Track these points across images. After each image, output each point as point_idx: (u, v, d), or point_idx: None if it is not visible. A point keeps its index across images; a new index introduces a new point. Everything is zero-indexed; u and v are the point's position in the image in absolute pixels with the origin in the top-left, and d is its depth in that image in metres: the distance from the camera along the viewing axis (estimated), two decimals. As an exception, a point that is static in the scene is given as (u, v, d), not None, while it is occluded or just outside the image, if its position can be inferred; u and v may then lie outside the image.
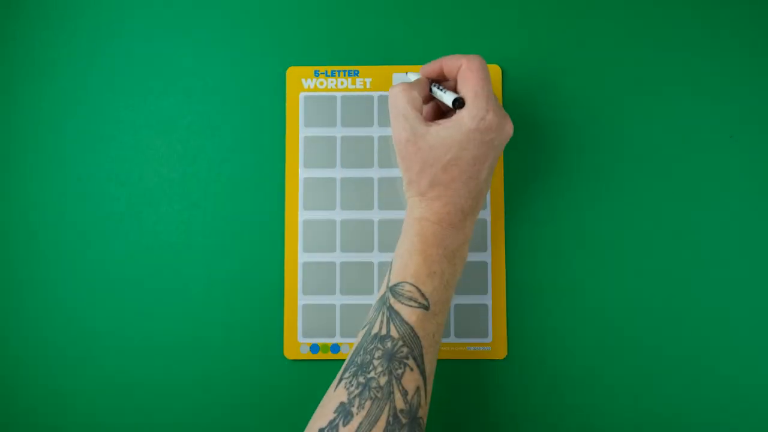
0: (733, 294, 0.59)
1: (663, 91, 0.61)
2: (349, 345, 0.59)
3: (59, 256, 0.60)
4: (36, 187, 0.61)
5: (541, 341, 0.59)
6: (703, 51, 0.62)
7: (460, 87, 0.52)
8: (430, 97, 0.56)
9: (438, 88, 0.55)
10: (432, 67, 0.55)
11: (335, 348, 0.59)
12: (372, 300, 0.59)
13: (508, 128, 0.52)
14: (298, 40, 0.62)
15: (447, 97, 0.53)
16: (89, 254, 0.60)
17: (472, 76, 0.51)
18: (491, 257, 0.60)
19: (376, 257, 0.60)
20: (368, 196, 0.60)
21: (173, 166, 0.62)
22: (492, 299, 0.60)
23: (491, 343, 0.59)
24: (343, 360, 0.59)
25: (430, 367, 0.49)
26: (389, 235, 0.60)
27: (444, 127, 0.50)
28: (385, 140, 0.61)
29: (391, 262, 0.52)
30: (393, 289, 0.50)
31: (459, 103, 0.52)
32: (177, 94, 0.62)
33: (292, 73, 0.62)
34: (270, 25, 0.63)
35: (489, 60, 0.62)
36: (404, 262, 0.51)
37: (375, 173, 0.61)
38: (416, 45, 0.62)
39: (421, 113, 0.53)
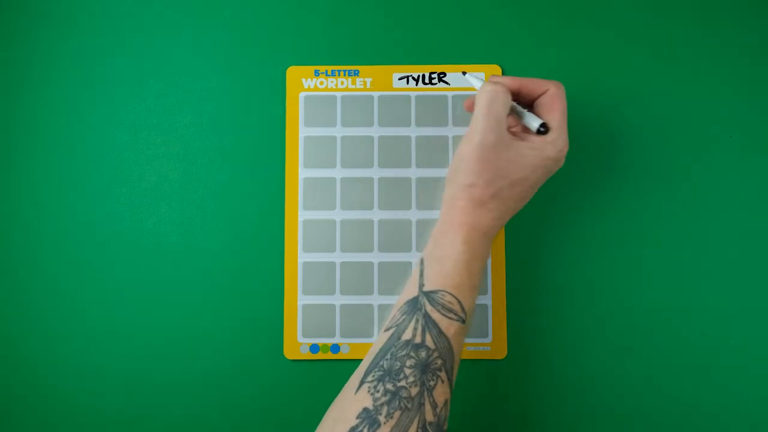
0: (734, 294, 0.59)
1: (663, 91, 0.61)
2: (349, 345, 0.59)
3: (59, 256, 0.60)
4: (36, 188, 0.61)
5: (540, 341, 0.59)
6: (703, 51, 0.62)
7: (543, 112, 0.51)
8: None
9: (518, 105, 0.53)
10: (511, 83, 0.52)
11: (335, 348, 0.59)
12: (372, 300, 0.59)
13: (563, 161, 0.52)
14: (298, 40, 0.62)
15: (532, 120, 0.51)
16: (89, 254, 0.60)
17: (559, 106, 0.50)
18: (491, 258, 0.60)
19: (376, 257, 0.60)
20: (368, 196, 0.60)
21: (173, 166, 0.62)
22: (492, 299, 0.60)
23: (491, 343, 0.59)
24: (344, 360, 0.59)
25: (454, 380, 0.48)
26: (389, 235, 0.60)
27: (527, 145, 0.49)
28: (385, 140, 0.61)
29: (422, 262, 0.50)
30: (431, 297, 0.48)
31: (544, 129, 0.50)
32: (177, 94, 0.62)
33: (292, 72, 0.62)
34: (270, 25, 0.63)
35: (489, 60, 0.62)
36: (445, 269, 0.48)
37: (375, 173, 0.61)
38: (416, 45, 0.62)
39: None
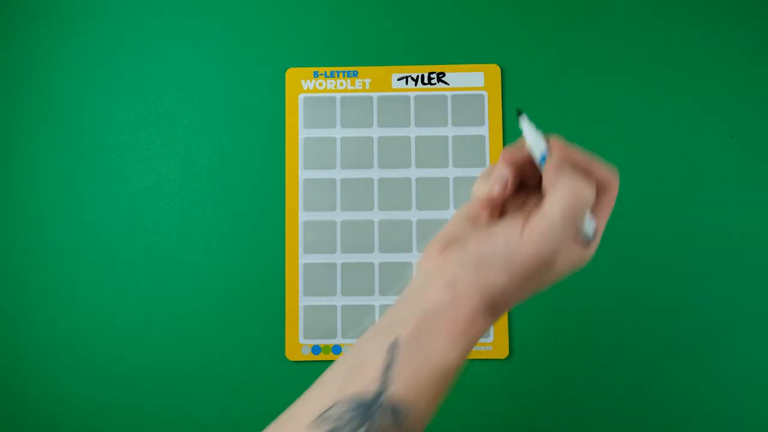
0: (734, 294, 0.59)
1: (663, 91, 0.61)
2: (351, 346, 0.59)
3: (59, 256, 0.60)
4: (37, 187, 0.61)
5: (542, 341, 0.60)
6: (703, 51, 0.62)
7: (593, 208, 0.41)
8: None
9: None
10: (581, 162, 0.40)
11: (337, 349, 0.59)
12: (373, 301, 0.59)
13: None
14: (297, 42, 0.62)
15: (590, 225, 0.41)
16: (89, 254, 0.60)
17: (610, 207, 0.41)
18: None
19: (376, 258, 0.60)
20: (368, 197, 0.60)
21: (173, 166, 0.62)
22: (492, 299, 0.60)
23: (493, 342, 0.59)
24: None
25: None
26: (390, 235, 0.60)
27: (576, 251, 0.40)
28: (384, 141, 0.61)
29: (394, 347, 0.38)
30: (394, 411, 0.36)
31: (592, 238, 0.41)
32: (177, 94, 0.62)
33: (292, 74, 0.62)
34: (269, 27, 0.62)
35: (489, 60, 0.62)
36: (424, 376, 0.37)
37: (375, 174, 0.61)
38: (415, 45, 0.62)
39: None
